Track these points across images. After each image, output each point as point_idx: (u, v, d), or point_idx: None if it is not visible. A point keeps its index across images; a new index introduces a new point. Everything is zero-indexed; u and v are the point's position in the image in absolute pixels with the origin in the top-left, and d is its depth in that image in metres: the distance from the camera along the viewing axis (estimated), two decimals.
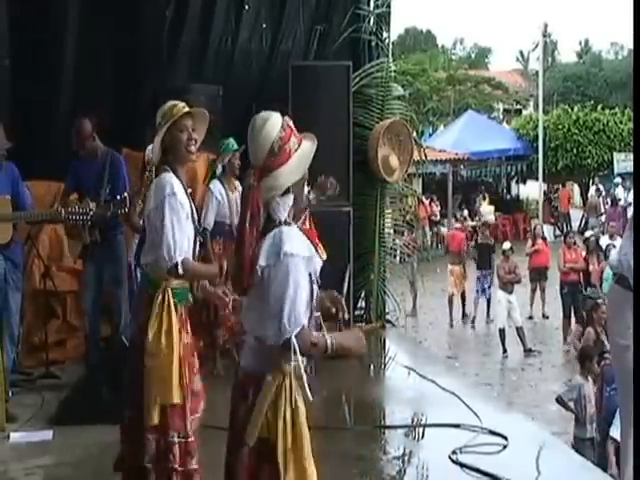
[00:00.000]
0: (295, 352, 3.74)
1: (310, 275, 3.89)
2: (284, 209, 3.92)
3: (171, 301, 5.21)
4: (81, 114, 8.54)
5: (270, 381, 3.82)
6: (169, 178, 5.26)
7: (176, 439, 5.18)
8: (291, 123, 4.00)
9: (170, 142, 5.30)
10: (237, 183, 9.14)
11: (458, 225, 29.70)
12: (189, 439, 5.22)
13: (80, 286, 9.28)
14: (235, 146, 9.00)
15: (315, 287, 3.94)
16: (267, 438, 3.82)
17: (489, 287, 21.34)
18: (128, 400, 5.33)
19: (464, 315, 22.35)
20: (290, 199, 3.95)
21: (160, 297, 5.19)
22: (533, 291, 22.18)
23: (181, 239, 5.16)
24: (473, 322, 21.84)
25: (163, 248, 5.11)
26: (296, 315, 3.76)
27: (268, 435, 3.82)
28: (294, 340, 3.74)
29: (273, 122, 3.91)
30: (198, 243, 5.50)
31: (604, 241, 21.90)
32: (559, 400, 11.70)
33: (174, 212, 5.17)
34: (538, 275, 21.99)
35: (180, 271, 5.14)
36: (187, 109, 5.35)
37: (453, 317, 21.92)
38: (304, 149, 3.98)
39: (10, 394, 7.88)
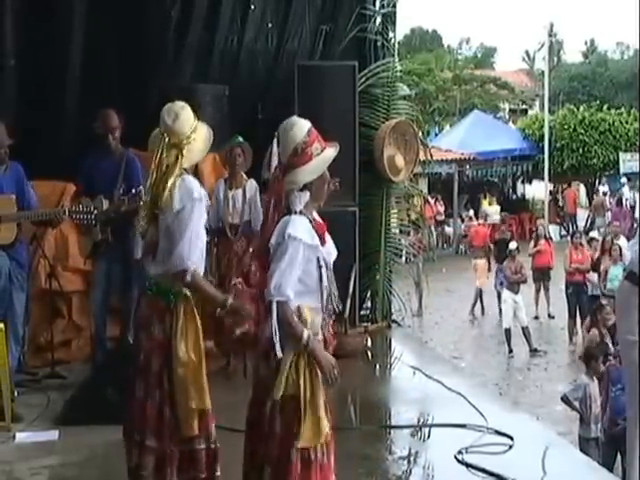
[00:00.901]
0: (272, 317, 4.46)
1: (318, 260, 4.61)
2: (300, 202, 4.59)
3: (194, 308, 5.08)
4: (87, 114, 8.54)
5: (290, 348, 4.54)
6: (194, 181, 5.15)
7: (203, 446, 5.10)
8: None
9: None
10: (244, 177, 9.12)
11: (476, 222, 31.21)
12: (216, 445, 5.16)
13: (88, 285, 9.26)
14: (239, 139, 8.95)
15: (324, 271, 4.65)
16: (290, 394, 4.54)
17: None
18: (137, 421, 5.12)
19: (482, 310, 22.53)
20: (307, 195, 4.62)
21: (183, 305, 5.05)
22: (537, 291, 22.24)
23: (197, 248, 5.02)
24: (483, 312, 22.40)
25: (176, 252, 4.95)
26: (283, 285, 4.45)
27: (292, 391, 4.54)
28: (274, 306, 4.45)
29: (300, 127, 4.66)
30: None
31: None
32: (564, 399, 11.70)
33: (199, 220, 5.05)
34: (541, 275, 22.05)
35: (188, 278, 4.95)
36: None
37: (473, 311, 22.19)
38: (325, 154, 4.67)
39: (16, 394, 7.89)
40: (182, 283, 5.01)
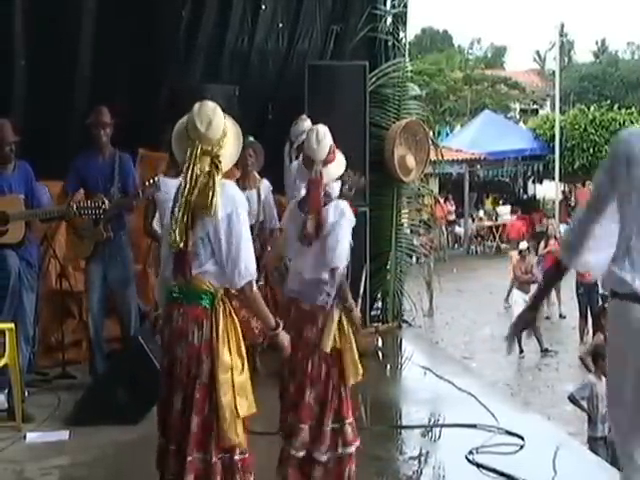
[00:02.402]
0: (337, 280, 5.63)
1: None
2: (335, 190, 5.92)
3: (232, 310, 4.90)
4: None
5: (336, 309, 5.66)
6: (234, 185, 5.00)
7: (238, 456, 4.91)
8: None
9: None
10: (257, 177, 9.10)
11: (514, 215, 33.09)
12: (248, 454, 4.97)
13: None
14: (250, 139, 8.86)
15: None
16: (335, 347, 5.64)
17: None
18: (177, 433, 4.89)
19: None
20: (339, 184, 6.00)
21: (221, 309, 4.82)
22: None
23: (254, 257, 4.85)
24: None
25: (239, 263, 4.73)
26: (343, 254, 5.63)
27: (336, 344, 5.64)
28: (340, 271, 5.63)
29: (327, 131, 5.75)
30: None
31: None
32: (571, 398, 11.67)
33: (247, 225, 4.88)
34: None
35: (254, 289, 4.90)
36: None
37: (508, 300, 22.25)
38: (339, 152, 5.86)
39: (26, 394, 7.91)
40: (246, 296, 4.90)
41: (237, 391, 4.83)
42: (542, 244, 23.21)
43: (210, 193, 4.68)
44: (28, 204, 7.89)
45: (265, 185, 9.10)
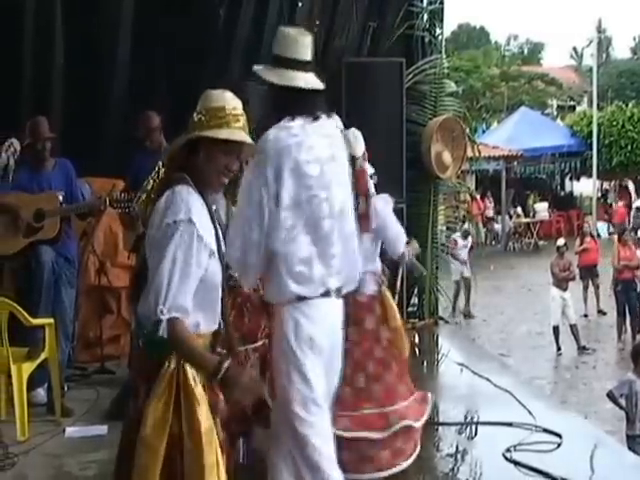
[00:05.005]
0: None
1: None
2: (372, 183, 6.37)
3: (189, 374, 3.59)
4: (135, 114, 8.56)
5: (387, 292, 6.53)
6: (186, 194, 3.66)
7: None
8: None
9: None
10: None
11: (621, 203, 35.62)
12: None
13: None
14: None
15: None
16: (396, 326, 6.49)
17: None
18: None
19: None
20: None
21: (170, 368, 3.59)
22: (585, 289, 22.05)
23: (180, 288, 3.50)
24: None
25: (151, 294, 3.52)
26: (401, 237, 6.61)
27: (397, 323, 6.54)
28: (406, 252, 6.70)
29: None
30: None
31: None
32: (610, 395, 11.62)
33: (182, 246, 3.53)
34: (589, 273, 21.89)
35: (162, 333, 3.47)
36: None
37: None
38: None
39: (66, 389, 7.98)
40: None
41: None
42: (578, 241, 23.10)
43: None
44: (68, 201, 7.94)
45: None
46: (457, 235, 19.62)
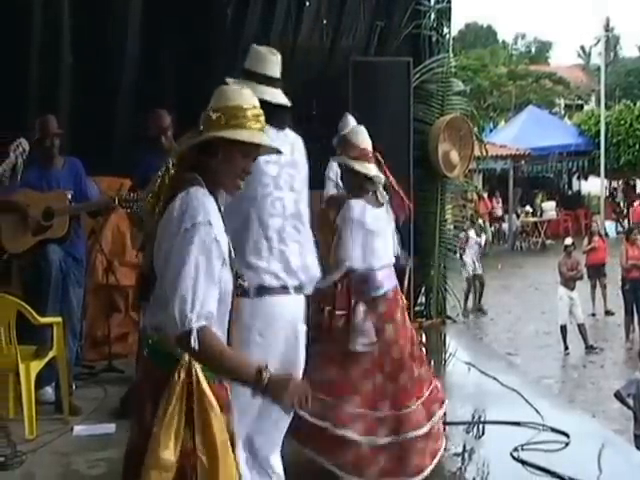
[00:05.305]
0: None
1: None
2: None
3: (203, 384, 3.37)
4: (142, 113, 8.55)
5: None
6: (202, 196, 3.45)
7: None
8: None
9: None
10: None
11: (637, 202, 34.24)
12: None
13: None
14: None
15: None
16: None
17: None
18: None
19: None
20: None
21: (180, 380, 3.35)
22: (593, 288, 22.03)
23: (207, 293, 3.27)
24: None
25: (175, 303, 3.23)
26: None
27: None
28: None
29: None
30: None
31: None
32: (617, 395, 11.62)
33: (204, 250, 3.31)
34: (596, 272, 21.86)
35: (194, 344, 3.20)
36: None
37: None
38: None
39: (74, 387, 7.99)
40: (188, 351, 3.31)
41: None
42: (585, 241, 23.07)
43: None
44: (77, 200, 7.93)
45: None
46: (471, 233, 19.67)
